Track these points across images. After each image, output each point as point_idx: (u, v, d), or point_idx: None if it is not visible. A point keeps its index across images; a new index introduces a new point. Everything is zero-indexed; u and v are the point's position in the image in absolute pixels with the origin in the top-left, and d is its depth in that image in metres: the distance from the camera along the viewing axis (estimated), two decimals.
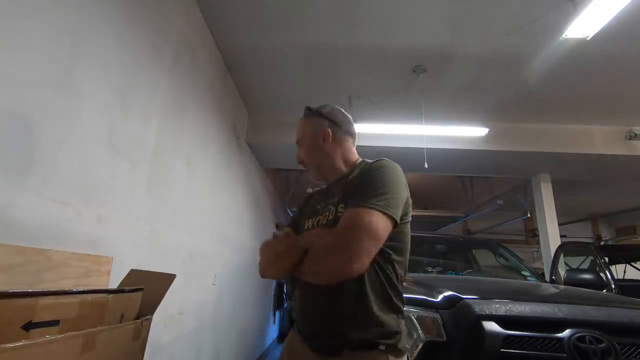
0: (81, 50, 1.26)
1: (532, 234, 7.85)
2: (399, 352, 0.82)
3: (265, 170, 4.89)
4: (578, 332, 1.12)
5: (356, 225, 0.77)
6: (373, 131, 3.78)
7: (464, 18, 2.35)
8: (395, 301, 0.85)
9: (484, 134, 3.62)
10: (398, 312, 0.86)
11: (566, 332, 1.12)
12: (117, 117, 1.49)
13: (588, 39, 2.26)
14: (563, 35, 2.25)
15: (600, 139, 3.80)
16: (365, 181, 0.88)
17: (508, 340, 1.12)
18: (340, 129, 1.07)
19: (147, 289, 1.05)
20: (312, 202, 1.08)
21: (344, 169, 1.03)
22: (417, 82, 3.01)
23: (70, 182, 1.23)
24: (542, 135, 3.81)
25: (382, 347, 0.80)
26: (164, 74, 1.89)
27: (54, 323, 0.74)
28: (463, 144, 3.83)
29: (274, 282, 6.25)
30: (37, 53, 1.08)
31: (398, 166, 0.94)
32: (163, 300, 1.11)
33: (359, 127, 3.59)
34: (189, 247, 2.29)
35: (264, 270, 0.95)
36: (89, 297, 0.84)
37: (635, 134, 3.70)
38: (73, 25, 1.23)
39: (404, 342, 0.84)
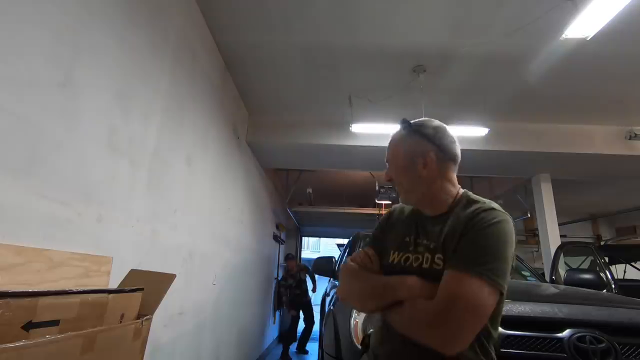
0: (81, 50, 1.26)
1: (532, 234, 7.84)
2: None
3: (265, 170, 4.89)
4: (578, 332, 1.12)
5: (462, 299, 0.69)
6: (373, 131, 3.78)
7: (464, 18, 2.35)
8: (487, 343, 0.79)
9: (484, 134, 3.62)
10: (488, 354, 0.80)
11: (566, 332, 1.12)
12: (117, 117, 1.49)
13: (588, 39, 2.26)
14: (563, 35, 2.25)
15: (600, 139, 3.80)
16: (474, 237, 0.76)
17: (508, 340, 1.12)
18: (445, 154, 0.91)
19: (147, 289, 1.05)
20: (399, 227, 0.97)
21: (443, 203, 0.90)
22: (417, 82, 3.01)
23: (70, 182, 1.23)
24: (542, 135, 3.81)
25: None
26: (164, 74, 1.89)
27: (54, 323, 0.74)
28: (463, 144, 3.78)
29: (274, 282, 6.25)
30: (37, 53, 1.08)
31: (510, 220, 0.81)
32: (163, 300, 1.11)
33: (359, 127, 3.63)
34: (189, 247, 2.29)
35: (350, 302, 0.95)
36: (89, 297, 0.84)
37: (635, 134, 3.70)
38: (73, 25, 1.22)
39: None
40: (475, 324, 0.69)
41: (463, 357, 0.74)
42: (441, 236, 0.83)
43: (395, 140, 0.97)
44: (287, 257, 6.10)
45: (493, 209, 0.81)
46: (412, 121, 0.96)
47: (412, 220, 0.96)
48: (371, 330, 1.07)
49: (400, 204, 1.04)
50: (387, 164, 0.99)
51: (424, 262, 0.84)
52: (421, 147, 0.92)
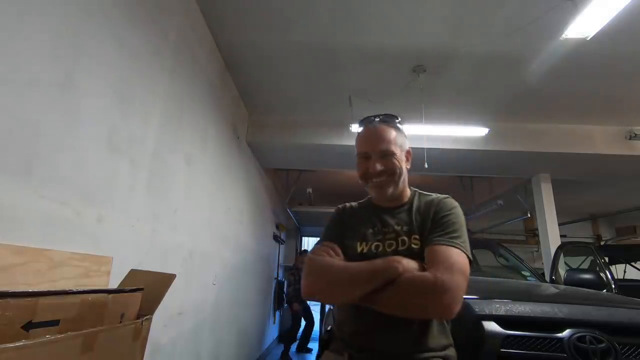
0: (81, 50, 1.26)
1: (532, 234, 7.84)
2: None
3: (265, 170, 4.89)
4: (578, 332, 1.12)
5: (456, 265, 0.81)
6: None
7: (464, 18, 2.35)
8: (448, 334, 0.92)
9: (484, 134, 3.62)
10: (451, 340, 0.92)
11: (566, 332, 1.12)
12: (117, 116, 1.49)
13: (588, 39, 2.26)
14: (563, 35, 2.25)
15: (600, 139, 3.80)
16: (446, 219, 0.91)
17: (508, 340, 1.12)
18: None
19: (147, 289, 1.05)
20: (357, 222, 1.01)
21: (405, 196, 1.03)
22: (417, 82, 3.01)
23: (70, 182, 1.23)
24: (542, 135, 3.81)
25: None
26: (164, 73, 1.89)
27: (54, 323, 0.74)
28: (463, 144, 3.83)
29: (274, 282, 6.25)
30: (37, 53, 1.08)
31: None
32: (163, 300, 1.11)
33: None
34: (189, 247, 2.29)
35: (325, 297, 0.91)
36: (89, 297, 0.84)
37: (635, 134, 3.70)
38: (73, 25, 1.22)
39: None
40: (465, 287, 0.80)
41: (436, 327, 0.87)
42: (412, 221, 0.95)
43: (387, 132, 1.00)
44: (301, 253, 6.68)
45: (449, 197, 0.99)
46: (381, 116, 1.03)
47: (370, 214, 1.02)
48: (330, 326, 1.03)
49: (347, 203, 1.10)
50: (372, 155, 0.99)
51: (400, 245, 0.92)
52: (405, 143, 1.03)
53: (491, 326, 1.14)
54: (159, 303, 1.10)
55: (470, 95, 3.34)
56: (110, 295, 0.91)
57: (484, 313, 1.18)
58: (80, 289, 0.83)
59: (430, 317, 0.86)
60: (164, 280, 1.13)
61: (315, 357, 1.02)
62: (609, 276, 2.78)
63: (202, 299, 2.58)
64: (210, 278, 2.75)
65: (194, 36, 2.28)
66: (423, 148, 3.55)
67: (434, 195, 1.02)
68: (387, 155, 0.98)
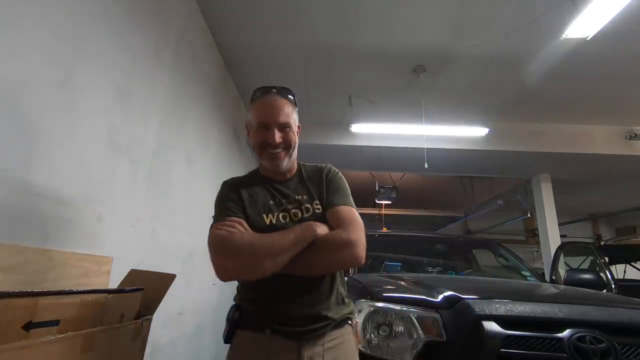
0: (81, 50, 1.26)
1: (532, 234, 7.84)
2: (353, 326, 1.01)
3: None
4: (578, 332, 1.12)
5: (358, 221, 0.95)
6: (373, 131, 3.78)
7: (464, 18, 2.35)
8: (346, 287, 1.05)
9: (484, 134, 3.62)
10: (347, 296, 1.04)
11: (566, 332, 1.12)
12: (117, 116, 1.49)
13: (588, 39, 2.26)
14: (563, 35, 2.25)
15: (600, 139, 3.80)
16: (336, 184, 1.05)
17: (508, 340, 1.12)
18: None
19: (147, 289, 1.05)
20: (254, 196, 1.01)
21: (295, 168, 1.10)
22: (417, 82, 3.01)
23: (70, 181, 1.23)
24: (542, 135, 3.82)
25: (350, 322, 0.99)
26: (164, 73, 1.89)
27: (54, 323, 0.74)
28: (463, 144, 3.84)
29: None
30: (37, 53, 1.08)
31: None
32: (163, 300, 1.11)
33: (359, 127, 3.63)
34: (189, 247, 2.29)
35: (255, 269, 0.84)
36: (89, 297, 0.84)
37: (635, 134, 3.70)
38: (73, 25, 1.22)
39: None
40: (364, 237, 0.92)
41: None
42: (310, 189, 1.03)
43: (286, 106, 1.01)
44: None
45: (330, 165, 1.12)
46: (278, 88, 1.04)
47: (264, 187, 1.04)
48: (235, 304, 0.99)
49: (228, 179, 1.10)
50: (276, 124, 0.98)
51: (305, 213, 0.98)
52: (297, 118, 1.07)
53: (491, 326, 1.14)
54: (159, 303, 1.10)
55: (470, 95, 3.34)
56: (110, 295, 0.91)
57: (484, 313, 1.18)
58: (80, 289, 0.83)
59: (346, 268, 1.02)
60: (164, 280, 1.13)
61: (225, 339, 0.96)
62: (609, 276, 2.78)
63: (202, 299, 2.58)
64: (210, 278, 2.75)
65: (194, 36, 2.28)
66: (423, 148, 3.55)
67: (317, 164, 1.13)
68: (286, 128, 1.00)
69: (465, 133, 3.76)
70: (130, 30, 1.57)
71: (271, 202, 1.00)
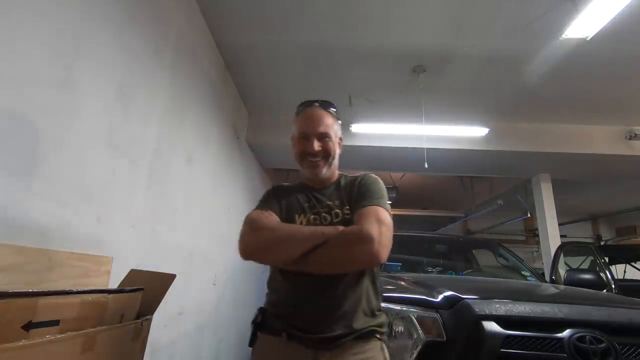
0: (82, 50, 1.26)
1: (532, 234, 7.84)
2: (385, 342, 0.95)
3: (266, 170, 4.89)
4: (578, 332, 1.12)
5: (383, 219, 0.90)
6: (373, 131, 3.78)
7: (464, 18, 2.35)
8: (380, 297, 0.99)
9: (484, 134, 3.62)
10: (381, 309, 0.99)
11: (566, 332, 1.12)
12: (117, 116, 1.49)
13: (588, 39, 2.26)
14: (563, 35, 2.25)
15: (600, 139, 3.80)
16: (369, 187, 1.02)
17: (508, 340, 1.12)
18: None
19: (147, 289, 1.05)
20: (292, 198, 1.07)
21: (334, 178, 1.12)
22: (417, 82, 3.01)
23: (71, 182, 1.23)
24: (542, 135, 3.81)
25: (378, 336, 0.91)
26: (164, 73, 1.89)
27: (54, 323, 0.74)
28: (463, 144, 3.83)
29: None
30: (37, 52, 1.08)
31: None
32: (163, 300, 1.11)
33: (359, 127, 3.63)
34: (189, 247, 2.29)
35: (266, 253, 0.92)
36: (89, 297, 0.84)
37: (635, 134, 3.70)
38: (74, 25, 1.22)
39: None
40: (391, 238, 0.88)
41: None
42: (343, 196, 1.05)
43: (326, 117, 1.07)
44: None
45: (370, 173, 1.09)
46: (320, 101, 1.10)
47: (303, 193, 1.09)
48: (261, 307, 1.01)
49: (276, 184, 1.17)
50: (316, 133, 1.04)
51: (334, 218, 0.99)
52: (339, 130, 1.11)
53: (491, 326, 1.14)
54: (159, 303, 1.10)
55: (470, 95, 3.34)
56: (110, 295, 0.91)
57: (484, 313, 1.18)
58: (80, 289, 0.83)
59: (361, 267, 0.93)
60: (164, 280, 1.13)
61: (249, 342, 0.97)
62: (609, 276, 2.77)
63: (202, 299, 2.58)
64: (210, 278, 2.75)
65: (194, 36, 2.28)
66: (423, 148, 3.55)
67: (358, 174, 1.12)
68: (325, 138, 1.05)
69: (465, 133, 3.76)
70: (131, 30, 1.57)
71: (306, 205, 1.04)
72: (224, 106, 2.96)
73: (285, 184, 1.17)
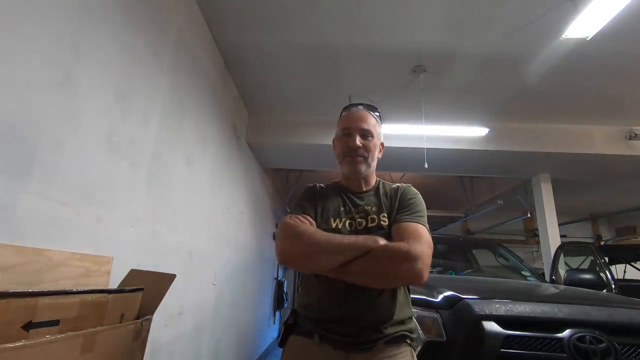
0: (81, 51, 1.26)
1: (532, 234, 7.84)
2: (414, 347, 0.96)
3: (265, 170, 4.89)
4: (578, 332, 1.12)
5: (424, 238, 0.90)
6: None
7: (464, 18, 2.35)
8: (410, 305, 1.00)
9: (484, 134, 3.62)
10: (412, 316, 0.99)
11: (566, 332, 1.12)
12: (117, 117, 1.49)
13: (588, 39, 2.26)
14: (563, 35, 2.25)
15: (600, 139, 3.80)
16: (411, 201, 1.02)
17: (508, 340, 1.12)
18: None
19: (147, 289, 1.05)
20: (328, 200, 1.06)
21: (372, 182, 1.12)
22: (417, 82, 3.01)
23: (71, 182, 1.23)
24: (542, 135, 3.81)
25: (408, 341, 0.93)
26: (164, 74, 1.89)
27: (54, 323, 0.74)
28: (463, 144, 3.83)
29: (274, 282, 6.25)
30: (37, 54, 1.08)
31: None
32: (163, 300, 1.11)
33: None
34: (189, 247, 2.29)
35: (304, 262, 0.90)
36: (89, 297, 0.84)
37: (635, 134, 3.69)
38: (73, 26, 1.22)
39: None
40: (431, 256, 0.87)
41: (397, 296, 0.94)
42: (380, 203, 1.04)
43: (370, 118, 1.08)
44: None
45: (411, 186, 1.10)
46: (365, 105, 1.12)
47: (339, 195, 1.08)
48: (293, 309, 1.02)
49: (312, 184, 1.16)
50: (359, 130, 1.05)
51: (369, 223, 0.99)
52: (381, 134, 1.12)
53: (491, 326, 1.14)
54: (159, 303, 1.10)
55: (470, 95, 3.34)
56: (110, 295, 0.91)
57: (484, 313, 1.18)
58: (80, 289, 0.83)
59: (403, 284, 0.95)
60: (164, 280, 1.13)
61: (279, 343, 0.98)
62: (609, 276, 2.77)
63: (202, 299, 2.58)
64: (210, 278, 2.75)
65: (194, 36, 2.28)
66: (423, 148, 3.55)
67: (397, 184, 1.13)
68: (367, 135, 1.05)
69: (465, 133, 3.75)
70: (130, 30, 1.57)
71: (342, 208, 1.04)
72: (223, 106, 2.96)
73: (321, 184, 1.16)
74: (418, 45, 2.64)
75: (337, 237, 0.89)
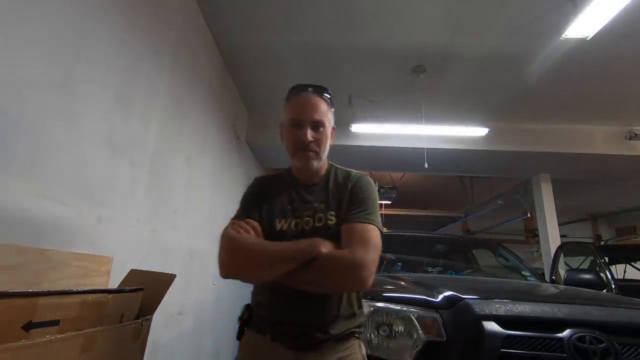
0: (81, 51, 1.26)
1: (532, 234, 7.84)
2: (362, 340, 0.97)
3: (265, 170, 4.89)
4: (578, 332, 1.12)
5: (374, 243, 0.86)
6: (373, 131, 3.78)
7: (464, 18, 2.35)
8: (360, 294, 0.99)
9: (484, 134, 3.62)
10: (361, 306, 0.99)
11: (566, 332, 1.12)
12: (117, 117, 1.49)
13: (588, 39, 2.26)
14: (563, 35, 2.25)
15: (600, 139, 3.80)
16: (361, 196, 0.96)
17: (508, 340, 1.11)
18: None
19: (147, 289, 1.05)
20: (275, 197, 1.01)
21: (322, 171, 1.05)
22: (417, 82, 3.01)
23: (71, 182, 1.23)
24: (542, 135, 3.81)
25: (357, 336, 0.94)
26: (164, 74, 1.89)
27: (54, 323, 0.74)
28: (463, 144, 3.83)
29: None
30: (37, 54, 1.08)
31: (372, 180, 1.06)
32: (163, 300, 1.11)
33: (359, 127, 3.63)
34: (189, 247, 2.29)
35: (250, 274, 0.88)
36: (89, 297, 0.84)
37: (635, 134, 3.70)
38: (73, 26, 1.22)
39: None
40: (378, 260, 0.85)
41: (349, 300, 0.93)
42: (329, 197, 0.98)
43: (321, 104, 0.99)
44: None
45: (365, 175, 1.04)
46: (314, 86, 1.01)
47: (289, 188, 1.02)
48: (247, 304, 1.01)
49: (261, 175, 1.11)
50: (304, 123, 0.96)
51: (316, 222, 0.94)
52: (333, 119, 1.03)
53: (491, 326, 1.14)
54: (159, 303, 1.10)
55: (470, 95, 3.34)
56: (110, 295, 0.91)
57: (484, 313, 1.18)
58: (80, 289, 0.83)
59: (347, 291, 0.93)
60: (164, 280, 1.13)
61: (237, 336, 0.98)
62: (609, 276, 2.77)
63: (202, 299, 2.58)
64: (210, 278, 2.75)
65: (194, 36, 2.28)
66: (423, 148, 3.55)
67: (352, 172, 1.06)
68: (318, 126, 0.97)
69: (465, 133, 3.76)
70: (130, 31, 1.57)
71: (289, 207, 0.98)
72: (223, 106, 2.96)
73: (271, 175, 1.10)
74: (418, 45, 2.64)
75: (279, 248, 0.85)
